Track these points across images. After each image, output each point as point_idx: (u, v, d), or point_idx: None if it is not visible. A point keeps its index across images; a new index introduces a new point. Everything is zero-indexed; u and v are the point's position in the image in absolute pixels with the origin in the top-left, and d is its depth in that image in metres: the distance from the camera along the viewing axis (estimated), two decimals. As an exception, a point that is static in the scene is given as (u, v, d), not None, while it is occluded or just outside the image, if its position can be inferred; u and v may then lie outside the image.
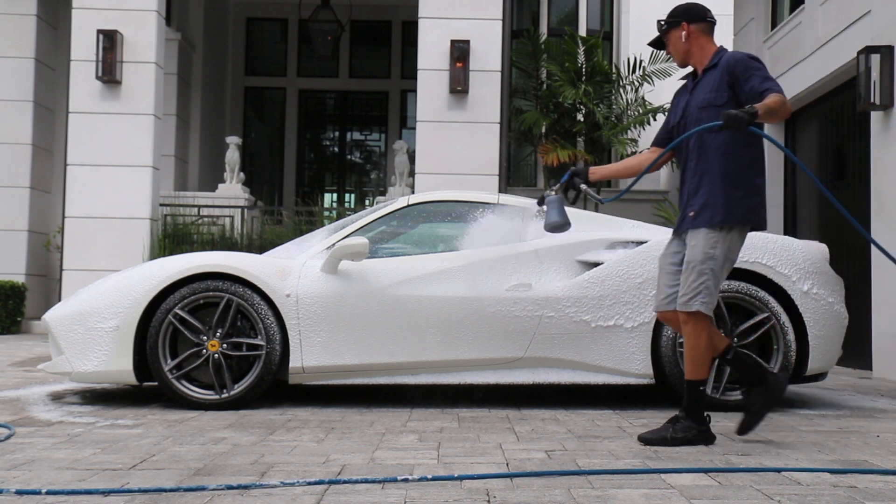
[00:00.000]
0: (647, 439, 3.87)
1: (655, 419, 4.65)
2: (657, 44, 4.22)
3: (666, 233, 5.41)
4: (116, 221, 10.29)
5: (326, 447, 3.74)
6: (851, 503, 2.81)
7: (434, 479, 3.08)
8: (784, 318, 5.02)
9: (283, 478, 3.08)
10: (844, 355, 5.73)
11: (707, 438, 3.89)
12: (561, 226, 4.20)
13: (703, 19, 4.07)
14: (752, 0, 11.34)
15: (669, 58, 12.67)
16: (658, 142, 4.28)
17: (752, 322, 4.99)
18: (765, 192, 3.99)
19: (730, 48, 12.46)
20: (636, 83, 12.89)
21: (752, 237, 5.11)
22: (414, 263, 5.09)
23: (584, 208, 10.99)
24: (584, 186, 4.21)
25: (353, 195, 17.75)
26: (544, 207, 4.30)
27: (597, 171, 4.29)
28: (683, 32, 4.06)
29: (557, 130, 12.77)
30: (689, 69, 4.21)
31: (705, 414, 3.91)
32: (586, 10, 15.62)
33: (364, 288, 4.98)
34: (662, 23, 4.14)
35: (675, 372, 4.95)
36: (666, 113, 4.29)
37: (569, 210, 5.55)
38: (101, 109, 10.44)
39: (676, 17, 4.09)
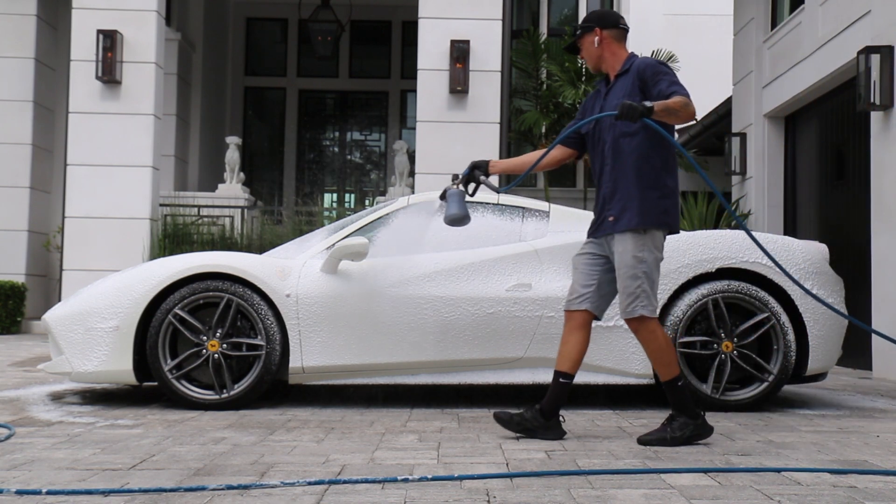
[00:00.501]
0: (647, 441, 3.87)
1: (655, 419, 4.65)
2: (571, 48, 4.27)
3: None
4: (116, 221, 10.29)
5: (326, 447, 3.74)
6: (851, 503, 2.81)
7: (434, 479, 3.08)
8: (784, 318, 5.02)
9: (282, 478, 3.08)
10: (844, 355, 5.73)
11: (704, 431, 3.90)
12: (461, 218, 4.19)
13: (615, 25, 4.13)
14: (752, 0, 11.33)
15: (670, 58, 12.77)
16: (564, 141, 4.28)
17: (752, 322, 4.99)
18: (678, 194, 4.01)
19: (730, 48, 12.50)
20: (636, 83, 12.88)
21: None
22: (414, 263, 5.09)
23: (585, 207, 11.00)
24: (483, 178, 4.25)
25: (353, 195, 17.75)
26: (444, 202, 4.31)
27: (497, 165, 4.32)
28: (596, 38, 4.10)
29: (557, 130, 12.78)
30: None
31: (698, 410, 3.93)
32: (586, 11, 15.63)
33: (364, 288, 4.98)
34: (577, 28, 4.21)
35: (675, 372, 4.94)
36: (457, 178, 4.41)
37: (573, 210, 5.56)
38: (101, 109, 10.44)
39: (590, 23, 4.14)
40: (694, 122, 13.51)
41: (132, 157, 10.38)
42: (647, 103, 3.77)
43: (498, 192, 4.44)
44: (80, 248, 10.28)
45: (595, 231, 4.07)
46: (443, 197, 4.33)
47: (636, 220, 3.88)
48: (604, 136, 4.04)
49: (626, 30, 4.15)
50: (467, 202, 4.33)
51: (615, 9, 15.83)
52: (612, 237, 3.96)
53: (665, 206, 3.93)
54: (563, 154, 4.28)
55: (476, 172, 4.26)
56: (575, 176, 15.18)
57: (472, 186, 4.32)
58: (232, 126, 16.55)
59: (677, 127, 4.58)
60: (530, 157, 4.38)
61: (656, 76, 3.94)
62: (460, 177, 4.30)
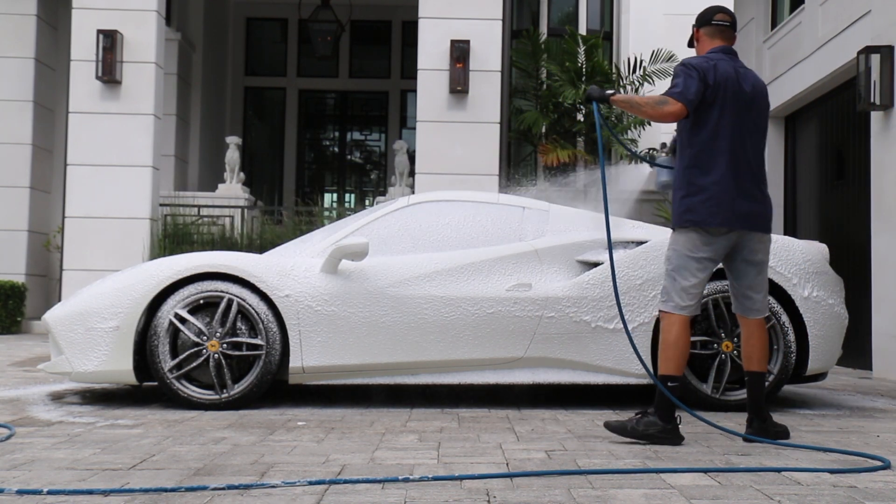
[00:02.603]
0: (611, 426, 3.97)
1: (655, 419, 4.65)
2: (691, 43, 4.44)
3: (666, 233, 5.41)
4: (116, 221, 10.29)
5: (326, 447, 3.74)
6: (851, 503, 2.81)
7: (434, 478, 3.08)
8: (784, 318, 5.02)
9: (283, 478, 3.08)
10: (844, 355, 5.73)
11: (673, 437, 3.88)
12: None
13: (707, 23, 4.23)
14: (752, 0, 11.34)
15: (670, 58, 12.77)
16: None
17: (752, 322, 4.98)
18: (713, 188, 3.96)
19: (730, 48, 12.49)
20: (636, 83, 12.89)
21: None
22: (414, 263, 5.09)
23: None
24: None
25: (353, 195, 17.75)
26: (654, 167, 4.56)
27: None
28: (695, 38, 4.28)
29: (557, 130, 12.78)
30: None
31: (676, 414, 3.92)
32: (586, 10, 15.62)
33: (364, 288, 4.98)
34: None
35: (675, 372, 4.95)
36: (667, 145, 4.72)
37: (573, 210, 5.56)
38: (101, 109, 10.44)
39: (695, 23, 4.30)
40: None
41: (132, 157, 10.38)
42: (609, 91, 4.03)
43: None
44: (80, 248, 10.27)
45: None
46: (652, 163, 4.52)
47: (672, 222, 4.11)
48: None
49: (720, 24, 4.18)
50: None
51: (615, 9, 15.82)
52: None
53: (689, 205, 3.99)
54: None
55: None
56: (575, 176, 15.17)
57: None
58: (232, 126, 16.54)
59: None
60: None
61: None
62: (668, 145, 4.45)
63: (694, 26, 4.27)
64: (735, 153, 3.99)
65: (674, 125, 4.22)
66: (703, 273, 3.99)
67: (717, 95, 3.97)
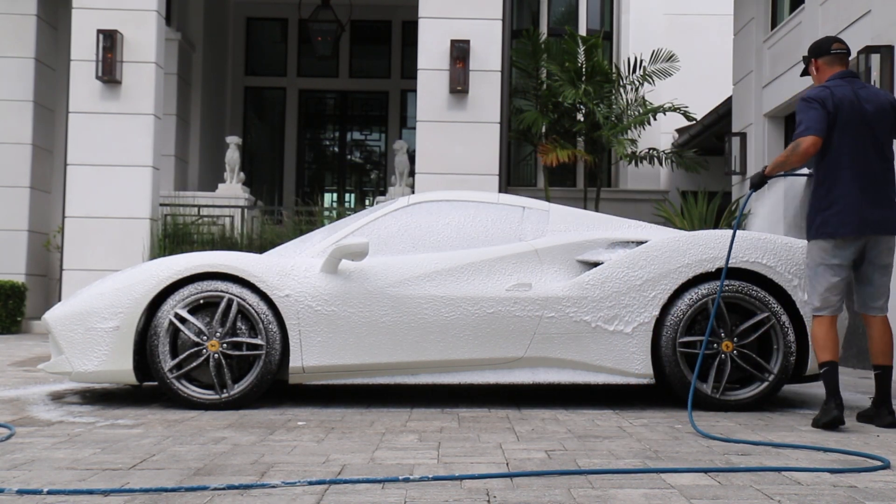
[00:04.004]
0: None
1: (655, 419, 4.66)
2: (805, 73, 4.93)
3: (666, 232, 5.42)
4: (116, 221, 10.29)
5: (326, 447, 3.74)
6: (851, 503, 2.81)
7: (434, 478, 3.08)
8: (784, 317, 5.02)
9: (283, 478, 3.08)
10: (844, 355, 5.72)
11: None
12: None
13: (826, 53, 4.70)
14: (752, 0, 11.34)
15: (670, 58, 12.78)
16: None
17: (752, 322, 4.99)
18: (842, 201, 4.44)
19: (730, 48, 12.50)
20: (636, 83, 12.89)
21: (753, 237, 5.12)
22: (414, 263, 5.09)
23: (585, 207, 11.02)
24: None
25: (353, 195, 17.75)
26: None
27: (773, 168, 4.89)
28: (813, 68, 4.75)
29: (557, 130, 12.78)
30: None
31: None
32: (586, 10, 15.63)
33: (364, 288, 4.98)
34: (804, 59, 4.86)
35: (676, 372, 4.95)
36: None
37: (573, 210, 5.56)
38: (101, 109, 10.44)
39: (808, 55, 4.78)
40: (695, 122, 13.52)
41: (132, 157, 10.38)
42: (756, 175, 4.76)
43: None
44: (80, 248, 10.27)
45: None
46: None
47: (807, 234, 4.65)
48: None
49: (838, 53, 4.66)
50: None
51: (615, 8, 15.82)
52: None
53: (823, 218, 4.49)
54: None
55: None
56: (575, 176, 15.19)
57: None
58: (232, 126, 16.55)
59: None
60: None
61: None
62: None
63: (810, 58, 4.73)
64: (857, 167, 4.46)
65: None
66: (836, 278, 4.50)
67: (836, 118, 4.45)
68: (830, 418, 4.30)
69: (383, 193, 14.24)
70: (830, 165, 4.48)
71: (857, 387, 6.49)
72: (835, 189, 4.46)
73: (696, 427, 4.21)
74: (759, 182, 4.76)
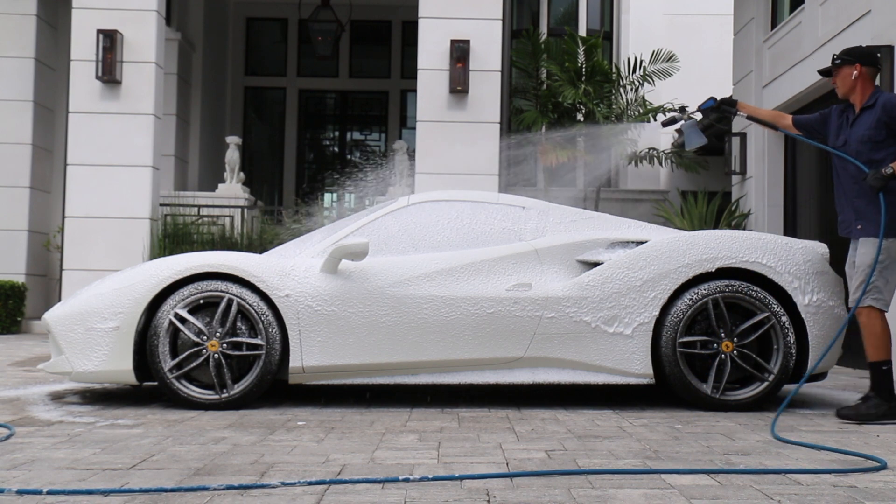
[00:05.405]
0: (845, 415, 4.56)
1: (655, 419, 4.66)
2: (825, 72, 5.02)
3: (666, 232, 5.42)
4: (116, 221, 10.29)
5: (326, 447, 3.74)
6: (851, 503, 2.81)
7: (434, 478, 3.08)
8: (784, 318, 5.02)
9: (282, 478, 3.08)
10: (844, 355, 5.72)
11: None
12: (703, 146, 5.32)
13: (873, 64, 4.83)
14: (752, 0, 11.34)
15: (670, 58, 12.76)
16: (799, 121, 5.21)
17: (752, 322, 4.99)
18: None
19: (730, 48, 12.49)
20: (636, 83, 12.88)
21: (753, 237, 5.12)
22: (414, 263, 5.09)
23: (584, 207, 11.01)
24: (736, 112, 5.12)
25: (352, 195, 17.74)
26: (679, 134, 5.12)
27: (745, 107, 5.22)
28: (855, 72, 4.80)
29: (557, 130, 12.76)
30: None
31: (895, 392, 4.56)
32: (586, 10, 15.62)
33: (364, 288, 4.98)
34: (837, 58, 4.90)
35: (675, 372, 4.95)
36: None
37: (573, 210, 5.56)
38: (101, 109, 10.43)
39: (851, 57, 4.84)
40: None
41: (132, 157, 10.37)
42: (887, 170, 4.56)
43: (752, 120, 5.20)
44: (80, 248, 10.27)
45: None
46: (667, 124, 5.12)
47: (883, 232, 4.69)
48: (848, 157, 4.84)
49: (880, 68, 4.85)
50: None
51: (615, 8, 15.82)
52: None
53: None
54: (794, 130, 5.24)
55: (725, 107, 5.09)
56: (575, 176, 15.18)
57: (712, 116, 5.06)
58: (232, 126, 16.54)
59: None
60: (774, 115, 5.30)
61: None
62: (697, 108, 5.03)
63: (854, 62, 4.80)
64: None
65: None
66: None
67: None
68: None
69: (383, 193, 14.24)
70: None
71: (856, 387, 6.49)
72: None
73: (775, 433, 4.14)
74: (880, 187, 4.62)
